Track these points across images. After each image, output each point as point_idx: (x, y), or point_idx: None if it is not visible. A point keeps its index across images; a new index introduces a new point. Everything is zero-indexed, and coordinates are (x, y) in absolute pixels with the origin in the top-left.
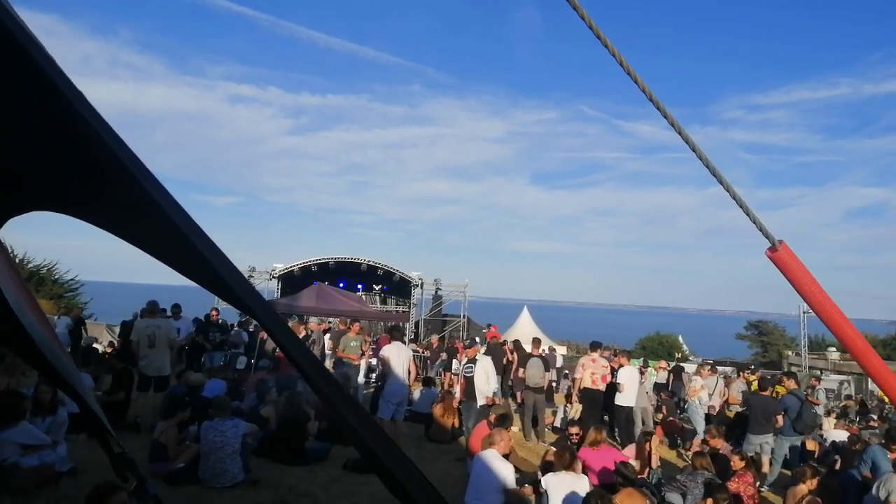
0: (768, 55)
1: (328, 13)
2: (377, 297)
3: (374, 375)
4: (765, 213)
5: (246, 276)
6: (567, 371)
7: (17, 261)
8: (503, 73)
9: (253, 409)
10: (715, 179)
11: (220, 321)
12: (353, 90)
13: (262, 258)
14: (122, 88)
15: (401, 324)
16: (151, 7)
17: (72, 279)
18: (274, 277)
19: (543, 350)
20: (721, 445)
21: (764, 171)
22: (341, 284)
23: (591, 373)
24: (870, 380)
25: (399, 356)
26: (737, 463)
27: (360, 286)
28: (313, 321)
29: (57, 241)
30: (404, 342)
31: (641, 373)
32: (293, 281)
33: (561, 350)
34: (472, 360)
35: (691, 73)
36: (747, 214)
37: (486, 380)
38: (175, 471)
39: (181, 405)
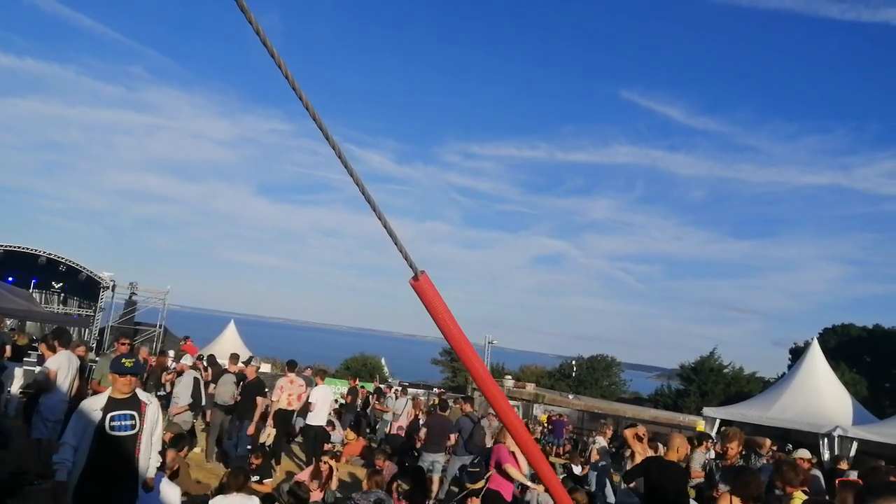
0: (486, 109)
1: None
2: (56, 297)
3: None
4: (469, 251)
5: None
6: (268, 389)
7: None
8: (238, 75)
9: None
10: (371, 210)
11: None
12: (58, 58)
13: None
14: None
15: (70, 329)
16: None
17: None
18: None
19: (241, 366)
20: (383, 465)
21: (472, 213)
22: (10, 279)
23: (288, 394)
24: (535, 405)
25: (70, 368)
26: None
27: (34, 281)
28: None
29: None
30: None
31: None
32: None
33: (265, 367)
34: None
35: (420, 112)
36: (395, 243)
37: None
38: None
39: None
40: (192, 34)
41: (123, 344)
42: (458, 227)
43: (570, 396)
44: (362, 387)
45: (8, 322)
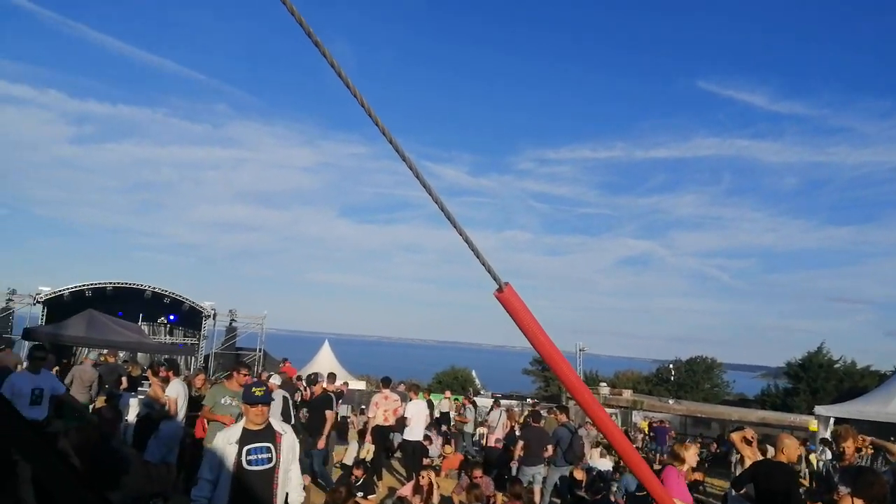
0: (559, 114)
1: (124, 19)
2: (162, 328)
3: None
4: (551, 258)
5: (5, 299)
6: (364, 406)
7: None
8: (314, 103)
9: None
10: (450, 223)
11: None
12: (148, 102)
13: (26, 279)
14: None
15: (177, 357)
16: None
17: None
18: (39, 302)
19: (338, 385)
20: (481, 478)
21: (551, 219)
22: (120, 313)
23: (384, 410)
24: (633, 412)
25: (186, 397)
26: (499, 499)
27: (141, 315)
28: (89, 356)
29: None
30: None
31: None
32: (63, 307)
33: (359, 385)
34: None
35: (492, 124)
36: (477, 257)
37: None
38: None
39: None
40: (269, 68)
41: (245, 374)
42: (538, 234)
43: (671, 401)
44: (456, 399)
45: (121, 354)
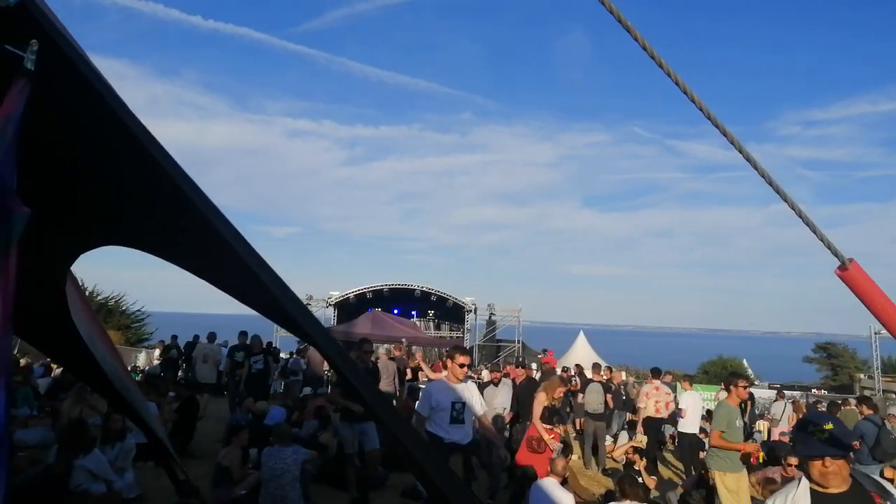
0: (824, 71)
1: (380, 48)
2: (431, 323)
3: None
4: (829, 231)
5: (304, 304)
6: (624, 397)
7: (86, 293)
8: (551, 98)
9: (312, 436)
10: (779, 198)
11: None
12: (404, 121)
13: (319, 286)
14: (186, 127)
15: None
16: (214, 49)
17: (138, 310)
18: (330, 305)
19: (604, 375)
20: (795, 474)
21: (826, 187)
22: (396, 311)
23: (655, 401)
24: None
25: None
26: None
27: (413, 312)
28: (382, 350)
29: (124, 273)
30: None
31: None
32: (349, 308)
33: (620, 376)
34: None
35: (745, 90)
36: (815, 233)
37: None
38: (237, 498)
39: (240, 431)
40: (505, 73)
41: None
42: (811, 205)
43: None
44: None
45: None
